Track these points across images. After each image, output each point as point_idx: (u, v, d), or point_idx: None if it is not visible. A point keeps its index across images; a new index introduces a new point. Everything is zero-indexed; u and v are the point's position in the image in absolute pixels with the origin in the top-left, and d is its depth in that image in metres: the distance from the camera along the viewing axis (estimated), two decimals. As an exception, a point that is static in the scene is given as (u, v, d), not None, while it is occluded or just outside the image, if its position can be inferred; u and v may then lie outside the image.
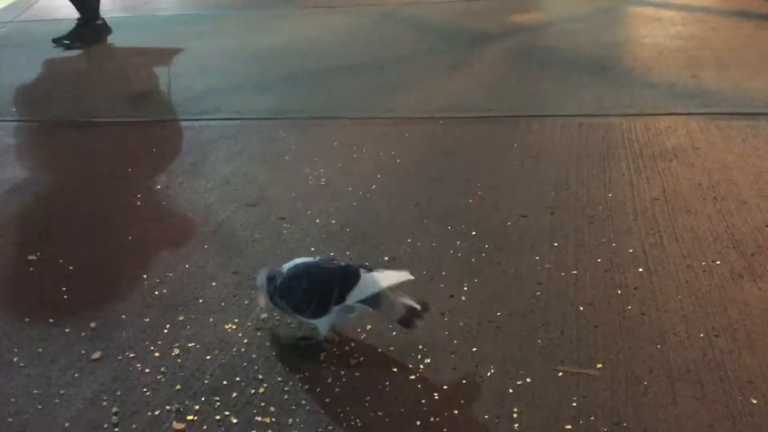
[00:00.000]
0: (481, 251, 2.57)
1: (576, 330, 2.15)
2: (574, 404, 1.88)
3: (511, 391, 1.94)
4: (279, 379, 2.04)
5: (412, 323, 2.05)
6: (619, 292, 2.30)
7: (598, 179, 2.99)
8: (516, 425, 1.83)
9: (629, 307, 2.23)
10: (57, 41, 4.87)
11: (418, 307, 2.04)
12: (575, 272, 2.41)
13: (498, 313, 2.25)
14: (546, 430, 1.81)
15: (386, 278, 2.08)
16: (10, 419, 1.93)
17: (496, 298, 2.32)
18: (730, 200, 2.77)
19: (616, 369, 1.99)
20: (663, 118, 3.54)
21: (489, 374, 2.01)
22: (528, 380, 1.97)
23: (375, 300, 2.06)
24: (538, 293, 2.32)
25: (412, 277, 2.11)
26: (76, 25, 4.95)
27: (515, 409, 1.88)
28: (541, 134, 3.44)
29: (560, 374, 1.99)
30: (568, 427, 1.82)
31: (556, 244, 2.57)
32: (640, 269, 2.40)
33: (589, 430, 1.80)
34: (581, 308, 2.24)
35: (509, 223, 2.73)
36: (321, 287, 2.08)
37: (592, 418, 1.84)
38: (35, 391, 2.03)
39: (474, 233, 2.68)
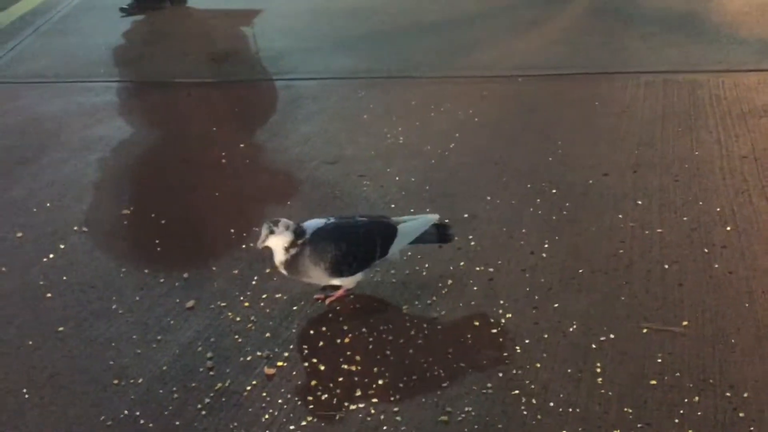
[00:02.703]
0: (562, 209, 2.56)
1: (661, 288, 2.13)
2: (659, 360, 1.88)
3: (594, 346, 1.95)
4: (363, 330, 2.10)
5: (449, 237, 2.22)
6: (705, 250, 2.26)
7: (684, 137, 2.92)
8: (599, 380, 1.85)
9: (716, 266, 2.20)
10: (122, 9, 4.96)
11: (437, 216, 2.21)
12: (660, 231, 2.38)
13: (580, 271, 2.24)
14: (630, 384, 1.82)
15: (418, 226, 2.18)
16: (111, 362, 2.05)
17: (578, 256, 2.31)
18: (825, 158, 2.67)
19: (702, 326, 1.97)
20: (753, 75, 3.41)
21: (571, 329, 2.02)
22: (611, 336, 1.98)
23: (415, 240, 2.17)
24: (622, 251, 2.31)
25: (437, 216, 2.22)
26: None
27: (598, 364, 1.89)
28: (624, 91, 3.37)
29: (645, 331, 1.98)
30: (653, 382, 1.82)
31: (639, 203, 2.54)
32: (728, 228, 2.35)
33: (675, 385, 1.80)
34: (666, 266, 2.21)
35: (591, 182, 2.70)
36: (363, 245, 2.12)
37: (678, 374, 1.83)
38: (134, 337, 2.14)
39: (554, 191, 2.66)
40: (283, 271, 2.13)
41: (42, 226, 2.74)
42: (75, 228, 2.70)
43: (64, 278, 2.42)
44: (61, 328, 2.19)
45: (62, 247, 2.59)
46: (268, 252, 2.13)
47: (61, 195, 2.95)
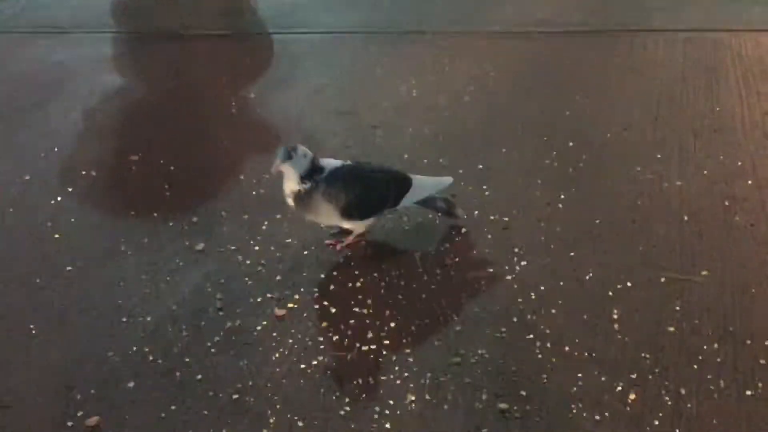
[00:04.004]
0: (579, 162, 2.51)
1: (680, 238, 2.09)
2: (678, 308, 1.84)
3: (611, 293, 1.92)
4: (375, 274, 2.06)
5: (455, 213, 2.18)
6: (726, 203, 2.22)
7: (704, 94, 2.86)
8: (616, 326, 1.81)
9: (737, 218, 2.15)
10: None
11: (450, 198, 2.20)
12: (679, 183, 2.33)
13: (597, 221, 2.20)
14: (648, 331, 1.78)
15: (434, 184, 2.16)
16: (120, 301, 2.02)
17: (595, 207, 2.27)
18: None
19: (722, 276, 1.93)
20: (775, 34, 3.34)
21: (587, 277, 1.98)
22: (628, 284, 1.94)
23: (422, 201, 2.15)
24: (640, 203, 2.26)
25: (452, 180, 2.19)
26: None
27: (615, 311, 1.85)
28: (644, 49, 3.30)
29: (663, 280, 1.94)
30: (671, 329, 1.78)
31: (659, 156, 2.48)
32: (749, 182, 2.30)
33: (694, 332, 1.77)
34: (686, 218, 2.17)
35: (609, 135, 2.65)
36: (377, 191, 2.08)
37: (697, 321, 1.80)
38: (143, 277, 2.11)
39: (571, 144, 2.61)
40: (291, 203, 2.05)
41: (49, 169, 2.70)
42: (83, 172, 2.67)
43: (72, 220, 2.39)
44: (68, 268, 2.16)
45: (70, 190, 2.56)
46: (281, 183, 2.06)
47: (69, 140, 2.91)
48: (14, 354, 1.87)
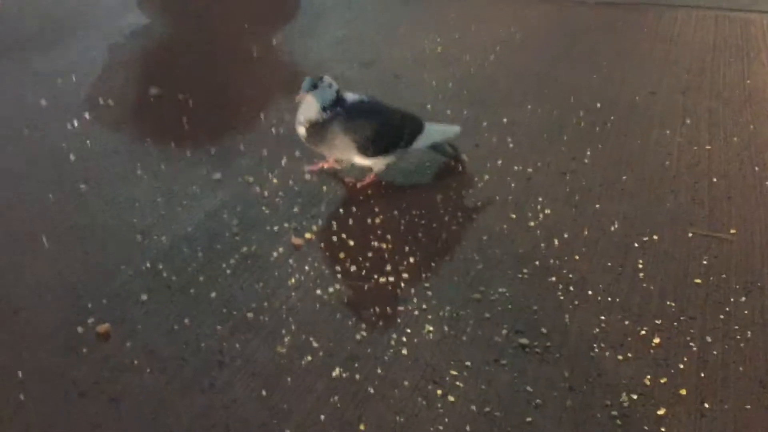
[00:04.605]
0: (606, 122, 2.46)
1: (708, 198, 2.05)
2: (705, 262, 1.80)
3: (636, 245, 1.87)
4: (395, 212, 2.02)
5: (460, 158, 2.22)
6: (756, 168, 2.17)
7: (735, 67, 2.81)
8: (641, 275, 1.77)
9: (767, 184, 2.10)
10: None
11: (455, 145, 2.24)
12: (709, 147, 2.29)
13: (623, 177, 2.16)
14: (673, 281, 1.74)
15: (443, 130, 2.20)
16: (135, 220, 1.98)
17: (622, 164, 2.22)
18: None
19: (751, 236, 1.89)
20: (808, 18, 3.28)
21: (613, 228, 1.94)
22: (655, 237, 1.90)
23: (433, 144, 2.18)
24: (668, 163, 2.22)
25: (459, 129, 2.22)
26: None
27: (640, 261, 1.81)
28: (674, 23, 3.24)
29: (690, 235, 1.90)
30: (698, 281, 1.74)
31: (688, 121, 2.44)
32: (781, 151, 2.26)
33: (720, 286, 1.72)
34: (714, 180, 2.13)
35: (637, 99, 2.60)
36: (394, 129, 2.06)
37: (724, 276, 1.75)
38: (158, 200, 2.07)
39: (599, 105, 2.56)
40: (303, 133, 2.01)
41: (67, 96, 2.66)
42: (101, 101, 2.62)
43: (88, 143, 2.35)
44: (82, 186, 2.12)
45: (87, 116, 2.52)
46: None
47: (88, 71, 2.86)
48: (26, 264, 1.83)
